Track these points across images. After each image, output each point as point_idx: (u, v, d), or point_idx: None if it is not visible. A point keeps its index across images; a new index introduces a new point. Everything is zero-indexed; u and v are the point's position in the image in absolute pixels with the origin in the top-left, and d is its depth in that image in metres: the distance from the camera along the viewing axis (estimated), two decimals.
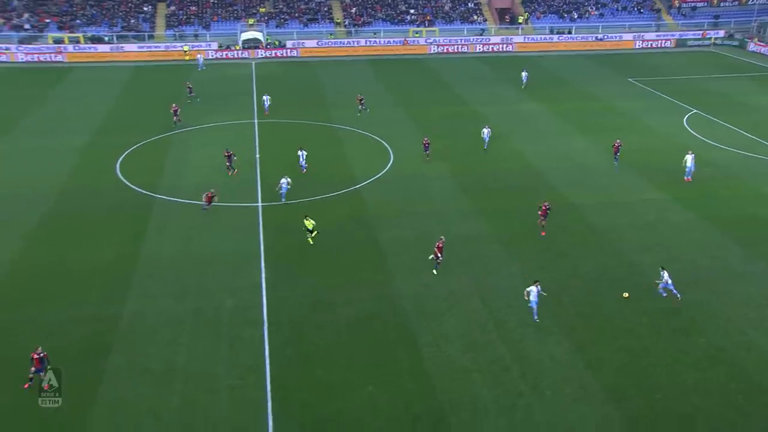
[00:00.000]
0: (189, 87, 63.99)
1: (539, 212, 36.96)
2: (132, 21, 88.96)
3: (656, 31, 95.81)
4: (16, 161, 47.81)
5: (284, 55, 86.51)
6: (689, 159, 44.36)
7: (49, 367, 24.20)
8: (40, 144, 51.31)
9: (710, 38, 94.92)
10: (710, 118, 59.48)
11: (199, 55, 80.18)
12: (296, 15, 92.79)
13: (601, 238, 37.06)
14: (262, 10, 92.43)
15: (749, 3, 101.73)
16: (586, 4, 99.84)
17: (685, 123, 57.97)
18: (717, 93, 68.61)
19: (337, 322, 29.42)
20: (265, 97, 60.30)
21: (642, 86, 71.38)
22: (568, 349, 27.65)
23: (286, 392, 25.17)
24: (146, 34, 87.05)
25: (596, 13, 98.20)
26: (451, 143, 51.92)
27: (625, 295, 30.87)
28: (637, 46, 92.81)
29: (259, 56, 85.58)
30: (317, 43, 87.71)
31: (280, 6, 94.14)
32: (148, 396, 24.86)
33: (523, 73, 69.99)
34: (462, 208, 40.84)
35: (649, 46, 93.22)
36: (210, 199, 38.78)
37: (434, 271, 32.98)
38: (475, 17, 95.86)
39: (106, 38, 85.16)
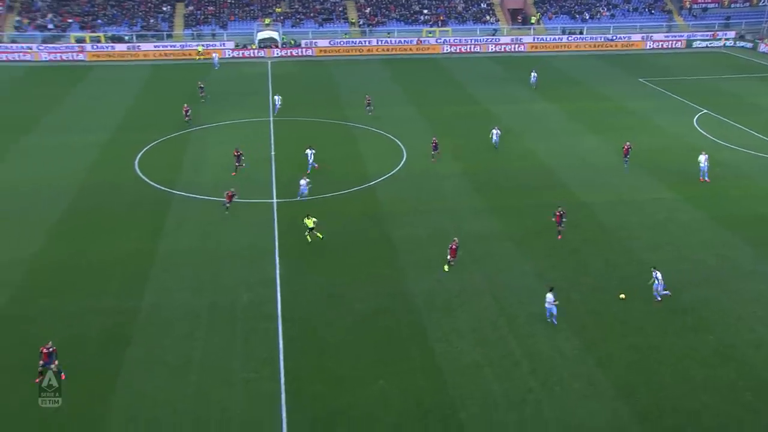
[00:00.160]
0: (201, 87, 64.08)
1: (554, 219, 36.29)
2: (151, 21, 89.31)
3: (667, 32, 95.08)
4: (38, 158, 48.13)
5: (299, 54, 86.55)
6: (702, 159, 43.95)
7: (50, 367, 24.31)
8: (62, 141, 51.64)
9: (720, 39, 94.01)
10: (720, 118, 58.98)
11: (214, 54, 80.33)
12: (311, 15, 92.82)
13: (612, 237, 36.85)
14: (278, 10, 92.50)
15: (760, 4, 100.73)
16: (598, 5, 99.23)
17: (695, 123, 57.51)
18: (727, 93, 68.00)
19: (349, 316, 29.44)
20: (276, 98, 60.11)
21: (653, 86, 70.88)
22: (578, 345, 27.52)
23: (300, 385, 25.21)
24: (165, 33, 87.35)
25: (607, 14, 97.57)
26: (464, 142, 51.77)
27: (622, 296, 30.47)
28: (647, 47, 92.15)
29: (275, 55, 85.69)
30: (330, 43, 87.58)
31: (296, 6, 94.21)
32: (165, 388, 24.98)
33: (533, 74, 69.54)
34: (474, 205, 40.73)
35: (660, 46, 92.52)
36: (230, 198, 38.75)
37: (445, 268, 32.85)
38: (488, 18, 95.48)
39: (126, 38, 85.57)
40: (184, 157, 48.36)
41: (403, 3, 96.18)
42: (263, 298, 30.72)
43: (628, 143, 46.82)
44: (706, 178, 43.75)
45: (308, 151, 44.94)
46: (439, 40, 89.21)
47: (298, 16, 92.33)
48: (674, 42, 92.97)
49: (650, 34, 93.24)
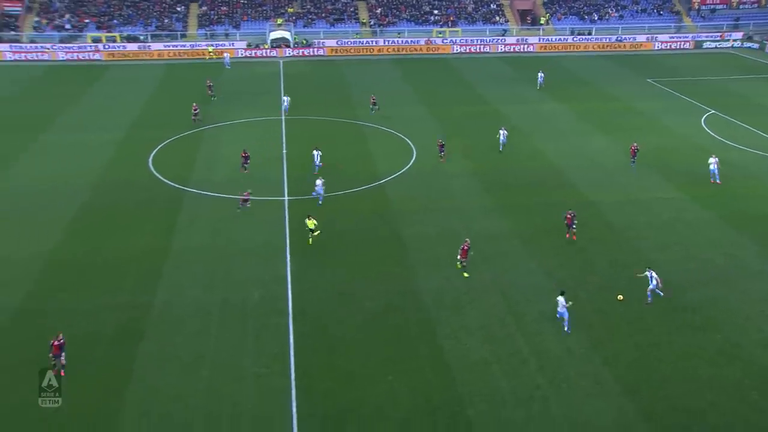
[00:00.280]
0: (209, 85, 64.11)
1: (565, 222, 35.84)
2: (166, 21, 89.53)
3: (675, 33, 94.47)
4: (56, 156, 48.35)
5: (311, 54, 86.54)
6: (712, 162, 43.50)
7: (53, 363, 24.41)
8: (78, 139, 51.83)
9: (728, 40, 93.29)
10: (728, 118, 58.54)
11: (225, 54, 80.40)
12: (323, 15, 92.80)
13: (619, 236, 36.64)
14: (291, 10, 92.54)
15: None
16: (606, 6, 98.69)
17: (703, 123, 57.10)
18: (735, 94, 67.48)
19: (360, 314, 29.42)
20: (284, 98, 59.71)
21: (661, 87, 70.44)
22: (585, 343, 27.39)
23: (310, 381, 25.21)
24: (179, 33, 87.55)
25: (616, 15, 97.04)
26: (473, 142, 51.60)
27: (620, 297, 30.11)
28: (655, 48, 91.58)
29: (287, 55, 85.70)
30: (342, 43, 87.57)
31: (308, 6, 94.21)
32: (177, 383, 25.04)
33: (540, 74, 69.10)
34: (483, 204, 40.60)
35: (668, 47, 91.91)
36: (246, 200, 38.58)
37: (465, 274, 32.18)
38: (497, 18, 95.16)
39: (141, 37, 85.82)
40: (197, 155, 48.45)
41: (414, 3, 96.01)
42: (275, 295, 30.73)
43: (635, 144, 46.55)
44: (717, 181, 43.24)
45: (315, 153, 44.76)
46: (445, 41, 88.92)
47: (310, 17, 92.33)
48: (682, 43, 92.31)
49: (658, 35, 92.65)
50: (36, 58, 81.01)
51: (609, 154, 49.40)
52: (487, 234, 36.56)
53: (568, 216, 35.59)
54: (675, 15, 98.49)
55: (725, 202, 40.99)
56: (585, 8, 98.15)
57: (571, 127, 56.36)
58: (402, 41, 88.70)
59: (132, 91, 67.18)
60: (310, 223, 35.06)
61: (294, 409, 23.81)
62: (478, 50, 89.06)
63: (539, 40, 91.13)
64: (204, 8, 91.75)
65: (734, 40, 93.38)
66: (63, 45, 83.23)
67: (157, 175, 44.62)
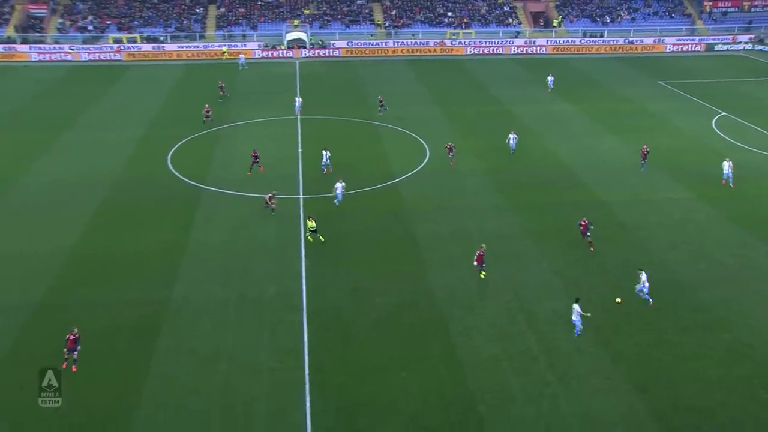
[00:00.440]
0: (221, 86, 64.20)
1: (579, 230, 34.98)
2: (185, 22, 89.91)
3: (685, 35, 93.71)
4: (77, 154, 48.67)
5: (326, 54, 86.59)
6: (726, 166, 42.94)
7: (66, 357, 24.47)
8: (99, 137, 52.15)
9: (740, 42, 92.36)
10: (739, 120, 58.00)
11: (241, 55, 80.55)
12: (339, 17, 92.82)
13: (630, 236, 36.39)
14: (307, 12, 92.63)
15: None
16: (618, 8, 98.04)
17: (713, 125, 56.60)
18: (747, 96, 66.84)
19: (372, 310, 29.39)
20: (297, 99, 59.41)
21: (672, 89, 69.88)
22: (595, 342, 27.21)
23: (323, 375, 25.23)
24: (198, 34, 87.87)
25: (628, 17, 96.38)
26: (486, 142, 51.43)
27: (618, 300, 29.70)
28: (667, 50, 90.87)
29: (303, 55, 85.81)
30: (348, 44, 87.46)
31: (324, 8, 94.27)
32: (194, 376, 25.14)
33: (549, 77, 68.58)
34: (495, 204, 40.45)
35: (680, 50, 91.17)
36: (271, 200, 38.59)
37: (482, 274, 31.76)
38: (510, 20, 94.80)
39: (161, 38, 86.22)
40: (214, 154, 48.60)
41: (428, 6, 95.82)
42: (290, 290, 30.78)
43: (645, 147, 46.02)
44: (731, 184, 42.55)
45: (324, 152, 44.61)
46: (454, 42, 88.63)
47: (326, 18, 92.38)
48: (693, 45, 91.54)
49: (669, 38, 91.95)
50: (59, 59, 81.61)
51: (620, 154, 49.06)
52: (499, 233, 36.42)
53: (582, 224, 34.82)
54: (687, 18, 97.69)
55: (736, 203, 40.60)
56: (597, 11, 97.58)
57: (582, 127, 56.04)
58: (416, 42, 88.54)
59: (151, 91, 67.53)
60: (311, 223, 34.93)
61: (307, 403, 23.84)
62: (491, 52, 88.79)
63: (552, 42, 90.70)
64: (222, 10, 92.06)
65: (746, 43, 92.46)
66: (86, 46, 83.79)
67: (175, 172, 44.80)
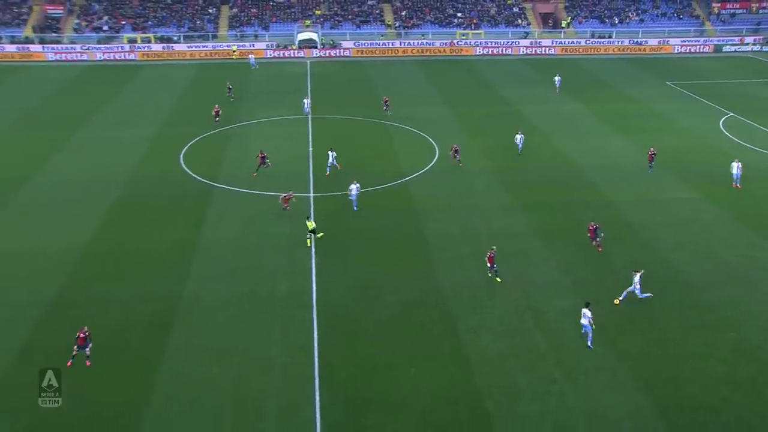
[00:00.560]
0: (229, 87, 64.24)
1: (588, 234, 34.68)
2: (198, 22, 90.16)
3: (695, 36, 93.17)
4: (92, 151, 48.92)
5: (337, 54, 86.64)
6: (735, 167, 42.62)
7: (85, 351, 24.65)
8: (113, 136, 52.39)
9: (748, 44, 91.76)
10: (746, 121, 57.65)
11: (251, 55, 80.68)
12: (349, 17, 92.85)
13: (638, 235, 36.24)
14: (318, 12, 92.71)
15: None
16: (627, 10, 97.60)
17: (721, 126, 56.29)
18: (754, 97, 66.43)
19: (382, 307, 29.41)
20: (305, 101, 59.12)
21: (680, 89, 69.52)
22: (602, 339, 27.10)
23: (333, 371, 25.27)
24: (210, 34, 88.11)
25: (636, 18, 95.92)
26: (495, 141, 51.35)
27: (616, 302, 29.55)
28: (675, 51, 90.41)
29: (314, 55, 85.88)
30: (367, 44, 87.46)
31: (335, 8, 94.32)
32: (206, 371, 25.22)
33: (556, 78, 68.15)
34: (504, 203, 40.37)
35: (688, 51, 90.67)
36: (287, 200, 38.55)
37: (497, 279, 31.52)
38: (520, 21, 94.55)
39: (175, 38, 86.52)
40: (226, 152, 48.73)
41: (438, 6, 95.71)
42: (301, 287, 30.85)
43: (652, 149, 45.68)
44: (738, 185, 42.32)
45: (329, 153, 44.43)
46: (459, 43, 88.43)
47: (337, 18, 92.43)
48: (702, 46, 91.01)
49: (678, 39, 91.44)
50: (76, 59, 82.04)
51: (628, 154, 48.86)
52: (508, 232, 36.37)
53: (591, 227, 34.49)
54: (695, 19, 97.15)
55: (743, 203, 40.36)
56: (606, 12, 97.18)
57: (590, 127, 55.85)
58: (425, 43, 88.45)
59: (164, 90, 67.79)
60: (310, 224, 34.80)
61: (317, 398, 23.89)
62: (500, 52, 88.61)
63: (560, 43, 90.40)
64: (234, 10, 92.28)
65: (753, 44, 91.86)
66: (101, 45, 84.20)
67: (188, 171, 44.96)
